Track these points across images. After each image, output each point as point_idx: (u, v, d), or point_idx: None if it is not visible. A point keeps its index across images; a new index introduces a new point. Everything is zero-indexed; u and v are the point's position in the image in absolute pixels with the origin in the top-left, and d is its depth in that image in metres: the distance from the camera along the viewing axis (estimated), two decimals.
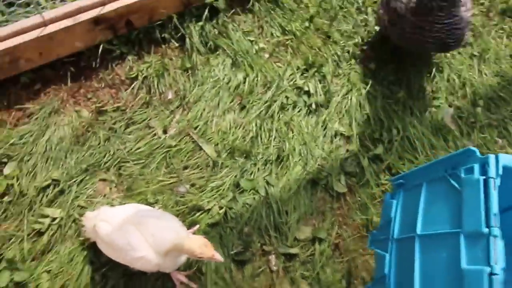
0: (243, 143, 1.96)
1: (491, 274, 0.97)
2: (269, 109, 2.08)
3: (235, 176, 1.86)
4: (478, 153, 1.18)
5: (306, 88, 2.18)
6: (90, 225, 1.50)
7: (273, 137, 2.00)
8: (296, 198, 1.85)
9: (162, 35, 2.20)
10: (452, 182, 1.23)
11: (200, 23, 2.24)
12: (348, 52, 2.38)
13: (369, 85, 2.22)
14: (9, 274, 1.55)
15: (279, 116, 2.08)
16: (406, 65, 2.33)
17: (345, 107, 2.15)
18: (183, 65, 2.15)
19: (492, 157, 1.13)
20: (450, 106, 2.26)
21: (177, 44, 2.23)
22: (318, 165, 1.95)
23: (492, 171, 1.11)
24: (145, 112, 2.00)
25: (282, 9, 2.49)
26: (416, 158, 2.03)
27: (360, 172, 1.96)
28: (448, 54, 2.41)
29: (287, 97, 2.14)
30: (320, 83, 2.22)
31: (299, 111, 2.12)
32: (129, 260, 1.40)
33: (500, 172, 1.11)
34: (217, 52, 2.24)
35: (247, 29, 2.37)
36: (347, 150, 2.02)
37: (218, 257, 1.28)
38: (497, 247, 1.01)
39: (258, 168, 1.90)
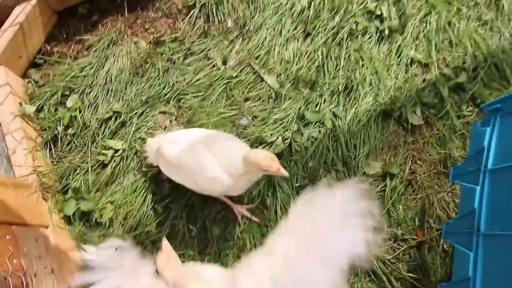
0: (308, 73, 1.81)
1: None
2: (337, 36, 1.90)
3: (300, 108, 1.74)
4: None
5: (378, 12, 1.94)
6: (153, 149, 1.47)
7: (341, 66, 1.83)
8: (365, 131, 1.70)
9: None
10: None
11: None
12: None
13: (453, 7, 1.94)
14: (75, 203, 1.59)
15: (348, 43, 1.89)
16: None
17: (422, 31, 1.91)
18: None
19: None
20: None
21: None
22: (391, 96, 1.77)
23: None
24: (204, 43, 1.90)
25: None
26: (505, 87, 1.77)
27: (439, 102, 1.75)
28: None
29: (356, 23, 1.93)
30: (394, 6, 1.97)
31: (369, 38, 1.91)
32: (199, 181, 1.34)
33: None
34: None
35: None
36: (424, 80, 1.81)
37: (283, 171, 1.20)
38: None
39: (325, 100, 1.76)
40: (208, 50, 1.88)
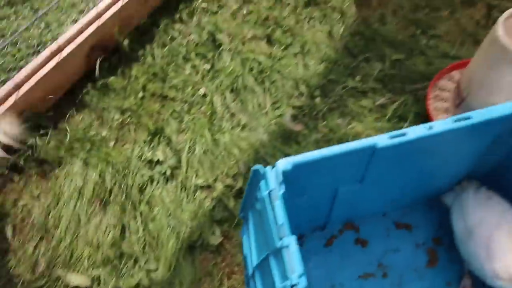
0: (113, 246, 1.93)
1: (293, 286, 0.94)
2: (130, 196, 2.08)
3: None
4: (260, 170, 1.13)
5: (156, 158, 2.20)
6: None
7: (139, 222, 1.99)
8: (179, 272, 1.84)
9: None
10: (257, 207, 1.20)
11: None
12: (186, 102, 2.44)
13: (214, 126, 2.28)
14: None
15: (140, 198, 2.08)
16: (241, 93, 2.42)
17: (195, 159, 2.19)
18: (32, 195, 2.11)
19: (268, 170, 1.10)
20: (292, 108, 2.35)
21: (17, 178, 2.19)
22: (190, 228, 1.96)
23: (271, 183, 1.08)
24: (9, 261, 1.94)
25: (114, 91, 2.52)
26: None
27: (230, 214, 1.98)
28: (275, 59, 2.53)
29: (142, 175, 2.15)
30: (168, 146, 2.25)
31: (157, 184, 2.13)
32: None
33: (281, 179, 1.07)
34: (62, 165, 2.22)
35: (86, 125, 2.38)
36: (212, 199, 2.05)
37: None
38: (291, 256, 0.97)
39: (134, 261, 1.88)
40: (14, 268, 1.92)
